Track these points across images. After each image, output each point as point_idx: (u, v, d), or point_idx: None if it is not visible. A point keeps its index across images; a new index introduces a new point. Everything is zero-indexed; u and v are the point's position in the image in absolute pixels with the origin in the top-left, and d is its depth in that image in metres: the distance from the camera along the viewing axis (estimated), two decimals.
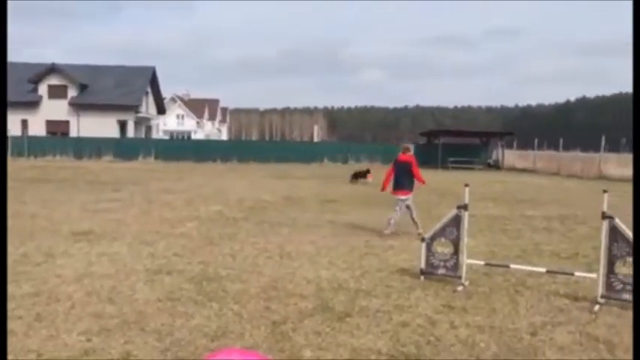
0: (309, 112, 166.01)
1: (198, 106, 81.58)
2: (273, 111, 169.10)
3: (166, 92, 65.67)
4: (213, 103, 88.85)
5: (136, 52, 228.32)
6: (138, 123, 45.19)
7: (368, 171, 22.73)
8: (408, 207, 9.60)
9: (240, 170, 29.33)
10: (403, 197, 9.57)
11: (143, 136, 46.78)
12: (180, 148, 39.77)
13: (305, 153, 39.65)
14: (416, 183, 9.73)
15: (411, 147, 10.24)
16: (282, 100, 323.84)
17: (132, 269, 6.60)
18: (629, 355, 4.23)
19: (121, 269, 6.59)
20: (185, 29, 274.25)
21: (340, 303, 5.41)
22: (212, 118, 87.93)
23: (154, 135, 52.08)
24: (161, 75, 57.63)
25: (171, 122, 76.75)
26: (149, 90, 47.82)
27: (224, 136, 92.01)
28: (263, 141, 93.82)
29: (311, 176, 25.53)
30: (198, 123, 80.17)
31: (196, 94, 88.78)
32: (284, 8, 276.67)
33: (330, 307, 5.25)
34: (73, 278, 6.13)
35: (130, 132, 43.31)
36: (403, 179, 9.61)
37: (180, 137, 68.30)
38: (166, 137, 64.36)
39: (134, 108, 43.40)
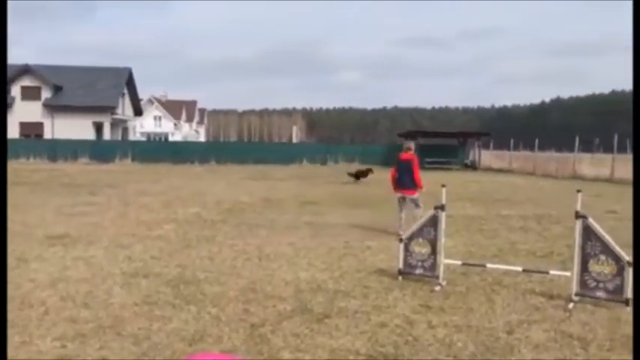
0: (287, 113, 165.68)
1: (175, 108, 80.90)
2: (252, 112, 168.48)
3: (143, 94, 65.00)
4: (190, 105, 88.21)
5: (112, 52, 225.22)
6: (114, 125, 44.66)
7: (370, 170, 23.10)
8: (416, 205, 9.59)
9: (218, 172, 29.16)
10: (409, 196, 9.64)
11: (120, 138, 46.23)
12: (157, 150, 39.41)
13: (284, 154, 39.60)
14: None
15: (413, 145, 10.30)
16: (261, 101, 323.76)
17: (108, 273, 6.51)
18: (602, 352, 4.32)
19: (97, 273, 6.50)
20: (162, 30, 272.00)
21: (319, 304, 5.41)
22: (190, 119, 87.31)
23: (131, 137, 51.55)
24: (138, 76, 56.97)
25: (149, 124, 75.99)
26: (125, 91, 47.30)
27: (202, 138, 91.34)
28: (241, 142, 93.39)
29: (290, 177, 25.51)
30: (175, 124, 79.51)
31: (174, 95, 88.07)
32: (261, 8, 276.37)
33: (308, 309, 5.25)
34: (47, 283, 6.02)
35: (106, 134, 42.78)
36: (405, 178, 9.66)
37: (157, 139, 67.68)
38: (143, 139, 63.75)
39: (110, 110, 42.89)
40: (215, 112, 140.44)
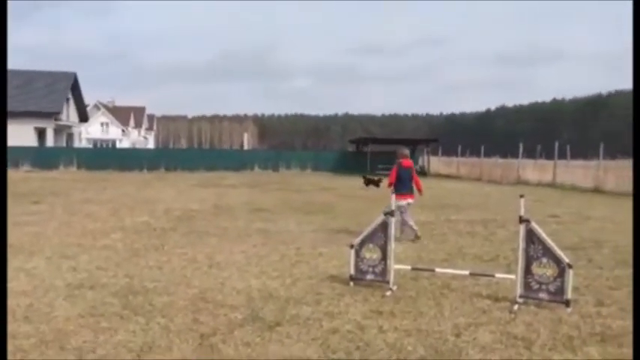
0: (239, 119, 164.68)
1: (123, 114, 79.09)
2: (202, 118, 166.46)
3: (89, 99, 63.31)
4: (139, 111, 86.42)
5: (55, 56, 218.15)
6: (58, 131, 43.21)
7: (380, 180, 23.31)
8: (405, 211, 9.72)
9: (168, 179, 28.65)
10: (410, 201, 9.79)
11: (64, 144, 44.75)
12: (104, 157, 38.40)
13: (235, 161, 39.30)
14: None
15: (408, 152, 10.47)
16: (212, 108, 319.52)
17: (51, 285, 6.28)
18: (545, 351, 4.47)
19: (39, 285, 6.26)
20: (109, 33, 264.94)
21: (271, 312, 5.38)
22: (138, 125, 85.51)
23: (76, 143, 49.95)
24: (83, 81, 55.45)
25: (95, 130, 73.94)
26: (70, 96, 45.84)
27: (151, 145, 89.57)
28: (192, 149, 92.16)
29: (241, 184, 25.32)
30: (123, 131, 77.68)
31: (122, 100, 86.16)
32: (211, 13, 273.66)
33: (260, 317, 5.21)
34: None
35: (50, 140, 41.31)
36: (408, 184, 9.81)
37: (104, 146, 65.94)
38: (89, 146, 61.94)
39: (54, 115, 41.46)
40: (164, 118, 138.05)
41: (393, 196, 6.95)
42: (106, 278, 6.65)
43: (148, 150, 55.76)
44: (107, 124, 76.79)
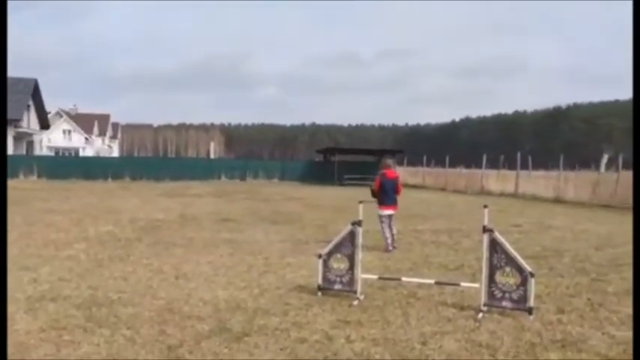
0: (205, 128, 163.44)
1: (86, 121, 77.41)
2: (168, 127, 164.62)
3: (51, 106, 61.85)
4: (103, 118, 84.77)
5: (15, 61, 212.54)
6: (17, 138, 42.09)
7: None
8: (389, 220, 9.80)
9: (133, 188, 28.19)
10: (392, 212, 9.83)
11: (24, 152, 43.59)
12: (66, 166, 37.52)
13: (201, 170, 38.97)
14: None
15: (392, 162, 10.64)
16: (178, 116, 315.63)
17: (10, 297, 6.09)
18: (509, 358, 4.57)
19: None
20: (72, 38, 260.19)
21: (238, 323, 5.36)
22: (102, 133, 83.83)
23: (37, 151, 48.74)
24: (45, 87, 54.14)
25: (57, 138, 72.15)
26: (31, 103, 44.73)
27: (115, 153, 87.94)
28: (157, 158, 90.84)
29: (208, 194, 25.10)
30: (86, 139, 76.03)
31: (85, 108, 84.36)
32: (176, 21, 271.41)
33: (227, 328, 5.18)
34: None
35: (9, 148, 40.16)
36: (392, 195, 9.84)
37: (66, 154, 64.45)
38: (51, 154, 60.46)
39: (13, 122, 40.34)
40: (129, 127, 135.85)
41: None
42: (69, 290, 6.51)
43: (113, 159, 54.73)
44: (69, 132, 75.05)
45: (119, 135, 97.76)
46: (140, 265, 8.12)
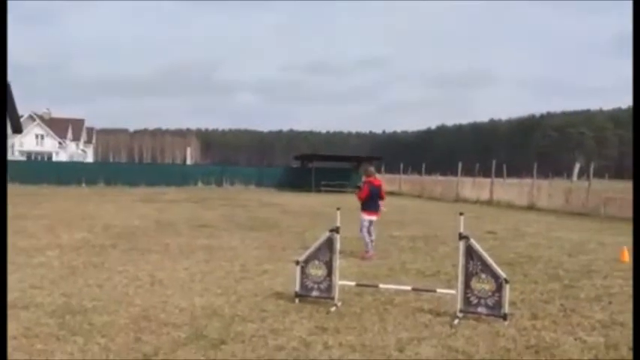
0: (181, 133, 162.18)
1: (60, 126, 76.10)
2: (144, 132, 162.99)
3: (23, 110, 60.69)
4: (77, 123, 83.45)
5: None
6: None
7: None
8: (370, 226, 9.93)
9: (108, 194, 27.82)
10: (375, 218, 10.03)
11: None
12: (39, 171, 36.89)
13: (177, 176, 38.65)
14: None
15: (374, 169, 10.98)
16: (154, 121, 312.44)
17: None
18: None
19: None
20: (46, 41, 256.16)
21: (215, 330, 5.32)
22: (76, 138, 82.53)
23: (9, 156, 47.78)
24: (17, 91, 53.24)
25: (29, 142, 70.82)
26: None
27: (90, 158, 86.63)
28: (133, 163, 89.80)
29: (184, 200, 24.90)
30: (60, 144, 74.78)
31: (58, 112, 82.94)
32: (153, 26, 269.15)
33: (204, 335, 5.15)
34: None
35: None
36: (377, 202, 10.07)
37: (39, 159, 63.33)
38: (23, 158, 59.35)
39: None
40: (104, 132, 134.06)
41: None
42: (41, 297, 6.39)
43: (87, 164, 53.97)
44: (42, 136, 73.75)
45: (94, 140, 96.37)
46: (115, 272, 8.01)
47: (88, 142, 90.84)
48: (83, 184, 34.84)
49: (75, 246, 10.29)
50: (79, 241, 10.99)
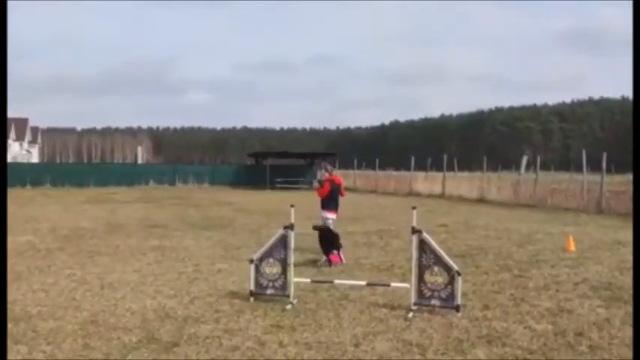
0: (132, 132, 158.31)
1: None
2: (93, 131, 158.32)
3: None
4: (20, 122, 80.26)
5: None
6: None
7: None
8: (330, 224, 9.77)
9: (54, 195, 26.89)
10: (334, 217, 9.86)
11: None
12: None
13: (128, 175, 37.70)
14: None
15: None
16: (103, 120, 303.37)
17: None
18: (438, 356, 4.69)
19: None
20: None
21: (167, 332, 5.20)
22: (20, 138, 79.43)
23: None
24: None
25: None
26: None
27: (35, 159, 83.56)
28: (81, 163, 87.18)
29: (135, 200, 24.31)
30: None
31: None
32: (101, 24, 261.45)
33: (156, 338, 5.02)
34: None
35: None
36: (337, 200, 9.95)
37: None
38: None
39: None
40: (50, 131, 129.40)
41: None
42: None
43: (32, 164, 51.95)
44: None
45: (39, 140, 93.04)
46: (62, 276, 7.74)
47: (33, 142, 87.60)
48: (28, 186, 33.54)
49: (19, 250, 9.88)
50: (23, 244, 10.57)
